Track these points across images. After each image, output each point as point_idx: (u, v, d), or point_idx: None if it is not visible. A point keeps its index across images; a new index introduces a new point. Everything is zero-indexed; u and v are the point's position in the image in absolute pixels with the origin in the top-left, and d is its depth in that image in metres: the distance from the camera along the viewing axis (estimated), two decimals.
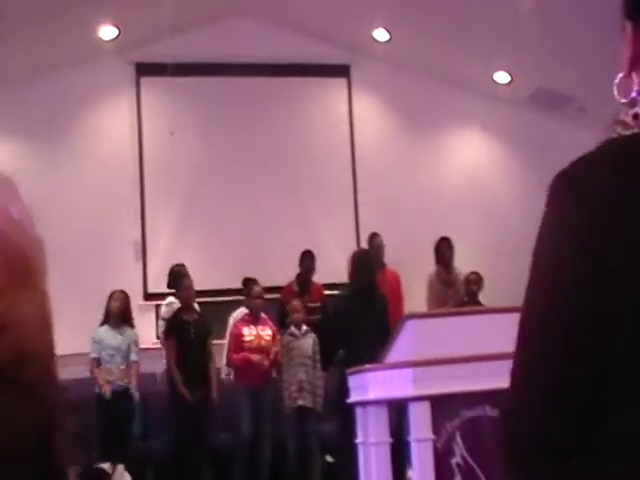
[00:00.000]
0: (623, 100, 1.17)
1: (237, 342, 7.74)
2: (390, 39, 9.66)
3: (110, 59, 9.46)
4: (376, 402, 4.75)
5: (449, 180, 10.34)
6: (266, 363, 7.62)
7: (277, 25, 9.86)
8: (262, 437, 7.60)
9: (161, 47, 9.23)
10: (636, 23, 1.17)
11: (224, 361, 8.08)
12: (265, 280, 8.32)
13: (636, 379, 1.04)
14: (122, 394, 7.66)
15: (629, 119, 1.15)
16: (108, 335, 7.79)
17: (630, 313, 1.04)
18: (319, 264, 8.92)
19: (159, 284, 8.88)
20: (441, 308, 8.33)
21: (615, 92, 1.18)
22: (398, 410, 5.15)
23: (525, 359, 1.10)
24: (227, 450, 7.63)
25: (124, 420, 7.60)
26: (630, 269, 1.04)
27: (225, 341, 8.16)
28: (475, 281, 8.83)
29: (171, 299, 8.21)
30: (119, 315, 7.86)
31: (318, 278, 8.93)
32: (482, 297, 8.80)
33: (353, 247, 8.95)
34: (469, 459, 4.42)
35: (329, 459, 7.82)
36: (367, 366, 4.86)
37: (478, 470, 4.38)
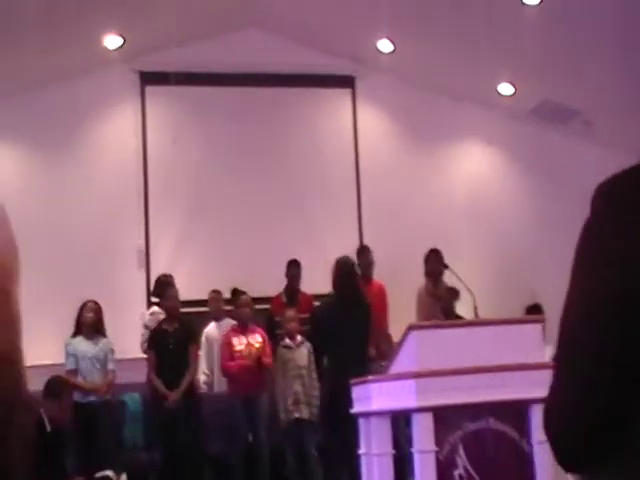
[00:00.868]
0: None
1: (229, 351, 7.79)
2: (394, 50, 9.67)
3: (115, 68, 9.49)
4: (379, 413, 4.75)
5: (452, 192, 10.32)
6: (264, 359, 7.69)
7: (282, 36, 9.88)
8: (260, 444, 7.62)
9: (166, 56, 9.24)
10: None
11: (201, 373, 8.11)
12: (269, 290, 8.29)
13: None
14: (104, 403, 7.64)
15: None
16: (83, 346, 7.73)
17: None
18: (323, 274, 8.88)
19: None
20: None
21: None
22: (394, 422, 5.13)
23: (567, 364, 1.11)
24: (225, 458, 7.63)
25: (112, 428, 7.62)
26: None
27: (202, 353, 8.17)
28: (449, 297, 8.36)
29: (155, 308, 8.24)
30: (92, 326, 7.77)
31: (321, 288, 8.91)
32: (484, 309, 8.74)
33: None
34: (472, 471, 4.41)
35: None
36: (370, 377, 4.86)
37: None
